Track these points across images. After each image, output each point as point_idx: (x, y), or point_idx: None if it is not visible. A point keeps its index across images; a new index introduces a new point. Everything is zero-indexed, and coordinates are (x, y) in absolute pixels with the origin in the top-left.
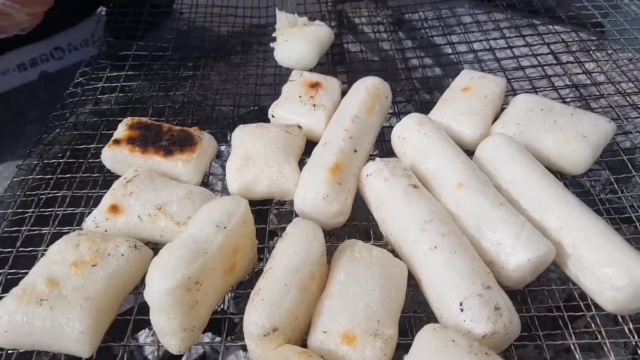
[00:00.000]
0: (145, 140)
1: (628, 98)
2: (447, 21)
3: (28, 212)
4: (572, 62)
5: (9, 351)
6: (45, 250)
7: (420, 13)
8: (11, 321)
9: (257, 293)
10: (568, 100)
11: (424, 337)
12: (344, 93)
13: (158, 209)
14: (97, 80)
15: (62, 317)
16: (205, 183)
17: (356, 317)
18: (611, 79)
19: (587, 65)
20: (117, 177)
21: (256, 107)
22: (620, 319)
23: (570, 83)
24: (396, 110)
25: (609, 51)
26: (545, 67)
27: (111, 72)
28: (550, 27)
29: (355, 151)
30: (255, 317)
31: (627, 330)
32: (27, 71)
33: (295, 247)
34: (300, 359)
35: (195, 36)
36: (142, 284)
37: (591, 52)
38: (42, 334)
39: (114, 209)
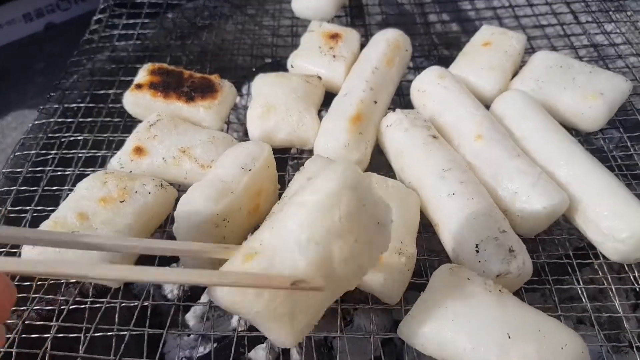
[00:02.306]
0: (167, 85)
1: None
2: None
3: (51, 154)
4: (591, 23)
5: (39, 282)
6: (70, 190)
7: None
8: (43, 251)
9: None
10: (586, 60)
11: (441, 275)
12: (362, 47)
13: (182, 152)
14: (112, 27)
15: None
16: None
17: None
18: (629, 40)
19: (606, 26)
20: (138, 121)
21: (274, 58)
22: (625, 267)
23: (588, 43)
24: (414, 65)
25: (629, 12)
26: (564, 27)
27: (127, 20)
28: None
29: (375, 102)
30: None
31: (631, 278)
32: (33, 22)
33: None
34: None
35: None
36: (166, 222)
37: (611, 12)
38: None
39: (139, 150)
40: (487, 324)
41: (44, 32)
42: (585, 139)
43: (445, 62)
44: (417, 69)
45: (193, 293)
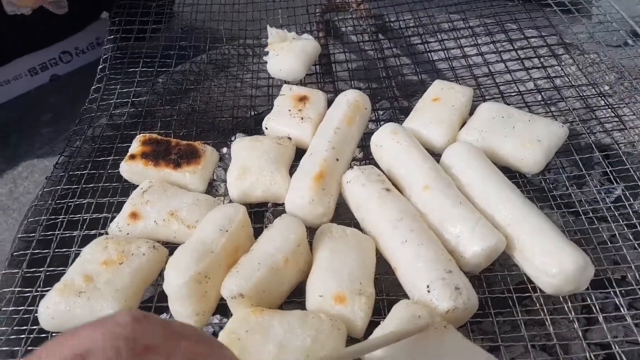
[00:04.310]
0: (156, 154)
1: (585, 101)
2: (426, 28)
3: (59, 218)
4: (538, 67)
5: (53, 334)
6: (77, 251)
7: (401, 21)
8: (56, 310)
9: (236, 266)
10: (530, 103)
11: (398, 309)
12: (330, 101)
13: (171, 214)
14: (109, 95)
15: (97, 305)
16: (210, 185)
17: (344, 282)
18: (573, 82)
19: (551, 69)
20: (133, 185)
21: (253, 114)
22: (561, 299)
23: (534, 88)
24: (377, 117)
25: (576, 53)
26: (512, 73)
27: (122, 89)
28: (519, 33)
29: (337, 159)
30: (228, 283)
31: (566, 308)
32: (38, 75)
33: (275, 235)
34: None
35: (194, 50)
36: (159, 277)
37: (557, 56)
38: (81, 320)
39: (134, 215)
40: (427, 357)
41: (49, 84)
42: (529, 180)
43: (406, 111)
44: (379, 120)
45: None
